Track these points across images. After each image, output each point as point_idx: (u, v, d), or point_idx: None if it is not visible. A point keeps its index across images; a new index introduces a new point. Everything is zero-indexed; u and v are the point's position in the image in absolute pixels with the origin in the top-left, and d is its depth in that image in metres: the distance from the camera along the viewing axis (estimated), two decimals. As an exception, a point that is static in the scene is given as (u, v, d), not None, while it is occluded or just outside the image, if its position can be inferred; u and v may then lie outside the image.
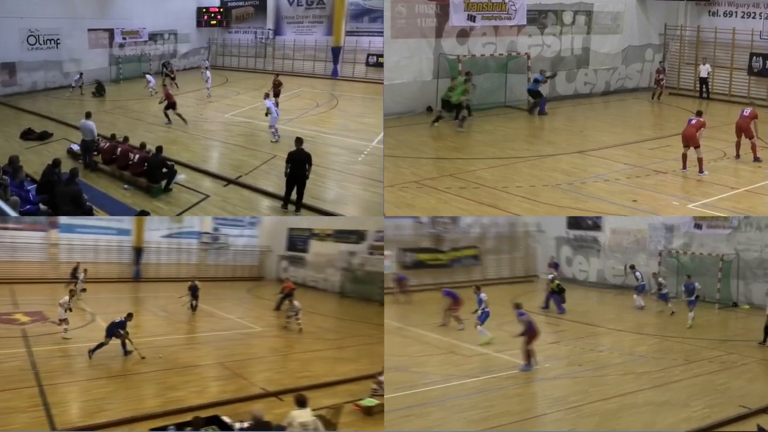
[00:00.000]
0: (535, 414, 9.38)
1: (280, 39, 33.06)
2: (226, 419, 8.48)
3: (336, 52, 30.25)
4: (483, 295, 13.54)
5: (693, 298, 14.14)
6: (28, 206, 11.89)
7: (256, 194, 13.41)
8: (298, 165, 12.27)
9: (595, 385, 10.41)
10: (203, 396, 10.38)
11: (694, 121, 14.23)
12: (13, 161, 12.50)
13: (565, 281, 18.74)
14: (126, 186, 14.07)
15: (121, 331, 12.43)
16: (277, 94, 20.87)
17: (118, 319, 12.59)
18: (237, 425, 8.28)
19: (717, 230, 16.44)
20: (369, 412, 9.74)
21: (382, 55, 26.38)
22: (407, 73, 19.46)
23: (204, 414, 8.57)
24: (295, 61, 32.05)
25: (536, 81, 19.49)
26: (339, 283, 24.79)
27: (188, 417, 8.50)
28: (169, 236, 27.90)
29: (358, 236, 25.00)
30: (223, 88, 26.90)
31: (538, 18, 21.43)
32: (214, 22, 34.36)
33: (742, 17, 22.42)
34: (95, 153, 15.42)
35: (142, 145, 14.91)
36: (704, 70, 22.39)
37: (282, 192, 12.73)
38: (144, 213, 12.95)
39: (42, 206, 12.15)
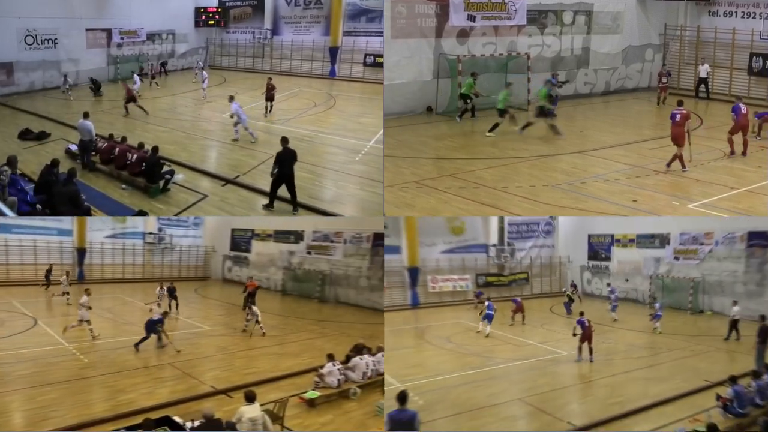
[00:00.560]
0: (564, 385, 12.64)
1: (278, 39, 33.05)
2: (177, 419, 8.48)
3: (333, 52, 30.29)
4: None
5: (659, 314, 17.90)
6: (26, 206, 11.87)
7: (254, 194, 13.41)
8: (287, 164, 12.33)
9: (606, 365, 13.85)
10: (153, 397, 10.40)
11: (679, 117, 14.21)
12: (12, 161, 12.45)
13: (585, 295, 24.37)
14: (124, 186, 14.08)
15: (159, 327, 14.11)
16: (270, 98, 20.66)
17: (155, 317, 14.33)
18: (188, 424, 8.30)
19: (689, 261, 21.80)
20: (312, 403, 10.47)
21: (379, 55, 26.73)
22: (407, 73, 19.57)
23: (155, 415, 8.54)
24: (293, 60, 32.08)
25: (551, 84, 18.41)
26: (281, 281, 25.76)
27: (139, 419, 8.45)
28: (113, 237, 27.71)
29: (296, 236, 26.22)
30: (221, 88, 26.81)
31: (538, 18, 21.51)
32: (212, 22, 34.32)
33: (742, 17, 22.52)
34: (93, 153, 15.39)
35: (140, 145, 14.91)
36: (703, 70, 22.48)
37: (279, 191, 12.71)
38: (142, 213, 12.94)
39: (39, 206, 12.13)
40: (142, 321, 16.91)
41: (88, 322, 15.08)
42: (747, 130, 15.54)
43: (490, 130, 17.45)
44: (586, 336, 14.02)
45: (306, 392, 10.74)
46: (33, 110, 21.49)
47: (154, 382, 11.52)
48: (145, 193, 13.56)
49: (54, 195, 11.88)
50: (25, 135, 17.68)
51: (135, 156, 14.31)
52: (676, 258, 22.30)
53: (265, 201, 12.74)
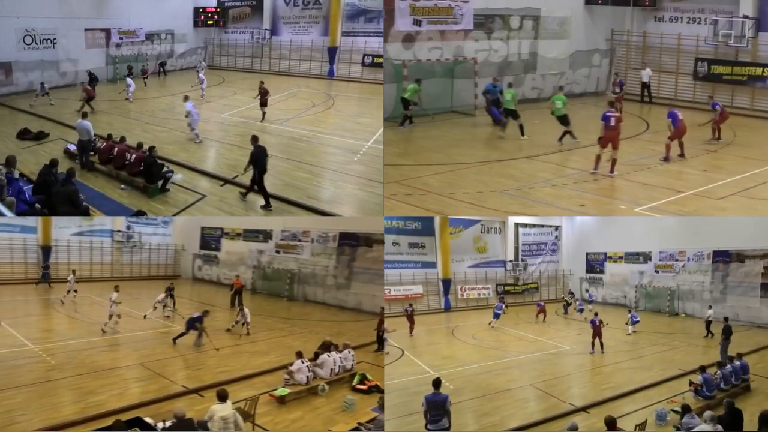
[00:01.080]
0: (566, 373, 14.75)
1: (277, 39, 32.99)
2: (148, 420, 8.40)
3: (332, 52, 30.23)
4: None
5: (636, 320, 20.44)
6: (24, 207, 11.89)
7: (253, 194, 13.34)
8: (261, 162, 12.71)
9: (600, 357, 16.06)
10: (124, 398, 10.23)
11: (613, 121, 14.25)
12: (10, 161, 12.46)
13: (584, 301, 27.69)
14: (123, 186, 14.08)
15: (199, 325, 14.42)
16: (264, 103, 20.13)
17: (195, 314, 14.82)
18: (159, 425, 8.25)
19: (667, 273, 26.09)
20: (282, 400, 10.65)
21: (378, 56, 26.76)
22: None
23: (125, 417, 8.46)
24: (292, 61, 32.01)
25: (486, 90, 18.99)
26: (250, 280, 25.81)
27: (109, 421, 8.41)
28: (79, 234, 26.84)
29: (265, 235, 26.40)
30: (219, 88, 26.90)
31: (485, 22, 21.45)
32: (210, 22, 34.25)
33: (688, 23, 22.78)
34: (92, 153, 15.35)
35: (139, 145, 14.86)
36: (645, 74, 22.74)
37: (278, 191, 13.02)
38: (141, 213, 12.97)
39: (38, 206, 12.12)
40: (112, 320, 16.63)
41: (119, 316, 15.59)
42: (685, 134, 15.76)
43: (522, 134, 17.49)
44: (597, 333, 16.38)
45: (276, 390, 10.92)
46: (32, 110, 21.48)
47: (125, 382, 11.35)
48: (143, 193, 13.57)
49: (52, 195, 11.89)
50: (24, 135, 17.71)
51: (134, 156, 14.26)
52: (656, 271, 26.65)
53: (263, 200, 12.84)
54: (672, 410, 10.41)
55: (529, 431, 10.20)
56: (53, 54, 26.64)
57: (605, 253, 29.35)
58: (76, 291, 20.56)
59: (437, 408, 8.34)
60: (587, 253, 30.20)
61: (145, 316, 18.07)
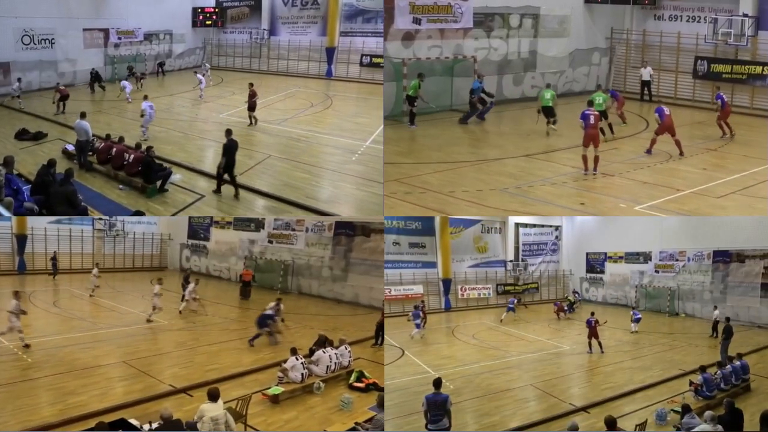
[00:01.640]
0: (566, 373, 14.67)
1: (275, 39, 32.99)
2: (133, 422, 8.13)
3: (330, 52, 30.23)
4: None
5: (639, 317, 20.54)
6: (22, 208, 11.78)
7: (252, 194, 13.41)
8: (232, 154, 13.16)
9: (600, 357, 16.06)
10: (107, 399, 9.79)
11: (593, 119, 14.28)
12: (8, 162, 12.30)
13: (584, 301, 28.50)
14: (121, 186, 14.04)
15: (270, 322, 14.30)
16: (252, 107, 19.51)
17: (268, 311, 14.63)
18: (146, 427, 7.98)
19: (667, 273, 26.06)
20: (276, 400, 10.32)
21: (376, 56, 26.70)
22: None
23: (109, 418, 8.18)
24: (290, 61, 32.04)
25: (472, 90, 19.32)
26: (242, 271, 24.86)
27: (91, 423, 8.14)
28: (58, 222, 25.40)
29: (257, 224, 25.46)
30: (218, 88, 26.87)
31: (484, 21, 21.44)
32: (209, 22, 34.20)
33: (687, 21, 22.77)
34: (90, 153, 15.33)
35: (138, 146, 14.90)
36: (646, 73, 22.69)
37: (277, 191, 13.13)
38: (139, 213, 12.92)
39: (36, 207, 12.06)
40: (93, 315, 16.59)
41: (160, 309, 16.04)
42: (673, 130, 15.86)
43: (554, 123, 17.99)
44: (593, 332, 16.46)
45: (269, 388, 10.61)
46: (30, 110, 21.41)
47: (108, 382, 10.84)
48: (142, 194, 13.52)
49: (51, 195, 11.83)
50: (22, 135, 17.66)
51: (132, 156, 14.23)
52: (657, 271, 26.64)
53: (262, 201, 12.89)
54: (672, 410, 10.41)
55: (529, 431, 10.17)
56: (51, 54, 26.52)
57: (605, 253, 29.35)
58: (98, 286, 20.28)
59: (437, 408, 8.34)
60: (587, 253, 30.21)
61: (180, 311, 17.95)
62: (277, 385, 10.75)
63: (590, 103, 16.09)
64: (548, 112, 18.16)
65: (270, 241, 25.20)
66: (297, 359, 11.18)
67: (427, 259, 25.78)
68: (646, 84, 22.76)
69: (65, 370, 11.33)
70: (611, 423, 8.06)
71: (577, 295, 27.97)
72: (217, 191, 13.36)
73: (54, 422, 8.66)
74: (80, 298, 18.19)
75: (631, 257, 27.94)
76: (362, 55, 29.30)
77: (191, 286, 18.39)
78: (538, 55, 22.80)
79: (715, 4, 21.74)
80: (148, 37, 31.35)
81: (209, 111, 21.65)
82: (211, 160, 16.09)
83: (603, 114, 17.88)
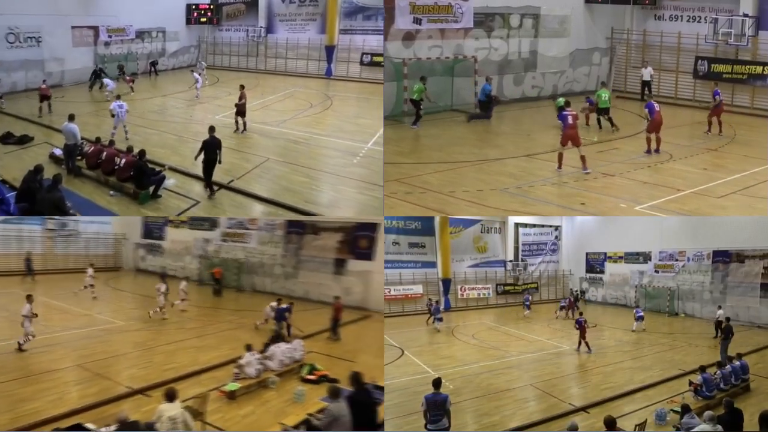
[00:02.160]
0: (566, 373, 14.69)
1: (273, 37, 32.23)
2: (90, 426, 8.04)
3: (330, 50, 29.48)
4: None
5: (641, 315, 20.85)
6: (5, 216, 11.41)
7: (249, 199, 13.08)
8: (211, 151, 12.92)
9: (599, 357, 16.13)
10: (62, 404, 9.57)
11: (571, 119, 14.33)
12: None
13: (584, 301, 28.64)
14: (112, 192, 13.49)
15: (288, 315, 14.74)
16: (241, 112, 18.25)
17: (284, 305, 15.43)
18: (102, 430, 7.89)
19: (667, 273, 26.17)
20: (232, 396, 10.60)
21: (377, 54, 26.55)
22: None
23: (65, 424, 8.10)
24: (288, 60, 31.31)
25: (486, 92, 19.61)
26: (197, 271, 25.34)
27: (47, 430, 8.05)
28: (4, 222, 24.30)
29: (211, 223, 25.65)
30: (214, 88, 26.15)
31: (485, 21, 21.47)
32: (204, 19, 33.20)
33: (688, 21, 22.78)
34: (79, 157, 14.63)
35: (129, 149, 14.14)
36: (647, 73, 22.70)
37: (276, 196, 12.97)
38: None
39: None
40: (44, 318, 15.90)
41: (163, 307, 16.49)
42: (661, 127, 15.94)
43: (612, 126, 18.35)
44: (583, 332, 16.55)
45: (226, 385, 10.83)
46: (15, 112, 20.42)
47: (62, 386, 10.61)
48: (134, 200, 13.11)
49: (37, 203, 11.35)
50: (6, 139, 16.91)
51: (123, 160, 13.55)
52: (656, 271, 26.79)
53: (260, 206, 12.80)
54: (672, 410, 10.40)
55: (529, 431, 10.15)
56: (38, 53, 25.30)
57: (605, 253, 29.45)
58: (93, 285, 20.21)
59: (437, 408, 8.34)
60: (587, 253, 30.30)
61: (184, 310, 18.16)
62: (233, 382, 11.00)
63: (597, 99, 17.64)
64: (606, 113, 18.42)
65: (224, 240, 25.61)
66: (252, 355, 11.55)
67: (426, 259, 25.86)
68: (646, 84, 22.75)
69: (17, 376, 11.06)
70: (611, 423, 8.05)
71: (583, 294, 28.45)
72: (211, 195, 13.00)
73: (6, 431, 8.47)
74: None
75: (631, 257, 28.00)
76: (363, 54, 28.79)
77: (183, 284, 19.05)
78: (538, 55, 22.81)
79: (716, 4, 21.73)
80: (140, 35, 30.26)
81: (204, 112, 20.98)
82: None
83: (606, 110, 18.40)
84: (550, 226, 30.63)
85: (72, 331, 15.07)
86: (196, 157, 13.07)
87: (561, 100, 18.73)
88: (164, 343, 14.44)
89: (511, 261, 29.00)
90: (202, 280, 25.01)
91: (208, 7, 33.48)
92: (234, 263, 24.35)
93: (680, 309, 25.05)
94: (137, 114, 20.08)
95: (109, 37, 28.69)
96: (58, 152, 15.22)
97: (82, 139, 14.99)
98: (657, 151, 15.82)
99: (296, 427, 8.88)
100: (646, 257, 27.17)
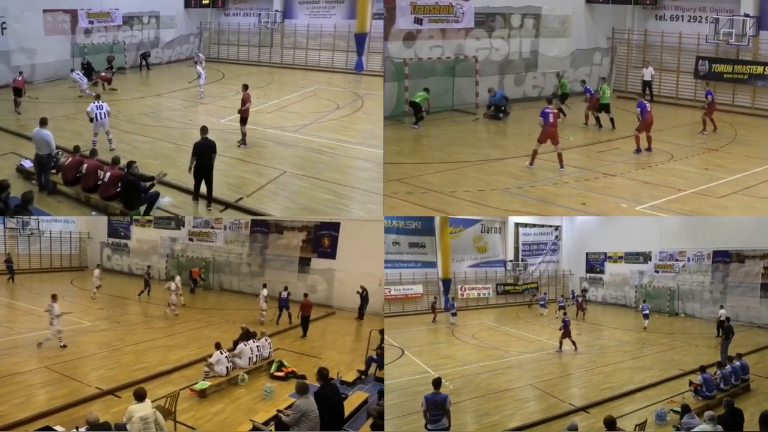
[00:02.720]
0: (566, 373, 14.59)
1: (290, 23, 27.57)
2: (58, 429, 8.00)
3: (360, 39, 25.00)
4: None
5: (647, 312, 21.28)
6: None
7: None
8: (204, 155, 11.70)
9: (600, 357, 16.27)
10: (29, 407, 9.36)
11: (551, 117, 14.46)
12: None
13: (584, 301, 27.81)
14: (94, 212, 12.17)
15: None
16: (244, 119, 15.62)
17: (285, 294, 17.24)
18: None
19: (667, 273, 26.23)
20: (203, 394, 10.71)
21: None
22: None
23: (32, 427, 8.06)
24: (310, 51, 27.04)
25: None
26: (164, 269, 25.36)
27: None
28: None
29: (177, 222, 25.59)
30: (218, 86, 23.09)
31: (485, 21, 21.48)
32: (206, 1, 28.28)
33: (689, 21, 22.76)
34: (54, 171, 12.58)
35: (115, 161, 12.10)
36: (648, 73, 22.75)
37: (290, 215, 12.99)
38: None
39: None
40: (8, 320, 16.13)
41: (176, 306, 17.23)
42: (651, 126, 16.06)
43: (613, 126, 18.40)
44: (567, 332, 16.66)
45: (196, 383, 10.95)
46: None
47: (29, 389, 10.37)
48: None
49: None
50: None
51: (108, 174, 11.68)
52: (657, 271, 26.85)
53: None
54: (672, 410, 10.44)
55: (529, 431, 10.18)
56: (3, 43, 21.32)
57: (605, 253, 29.49)
58: (99, 287, 20.42)
59: (437, 408, 8.37)
60: (587, 253, 30.34)
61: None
62: (203, 380, 11.14)
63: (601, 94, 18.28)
64: (608, 110, 18.66)
65: (191, 239, 25.63)
66: (221, 353, 11.67)
67: (426, 258, 25.88)
68: (647, 84, 22.78)
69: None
70: (611, 423, 8.08)
71: (585, 292, 28.35)
72: (195, 199, 11.95)
73: (-30, 437, 8.27)
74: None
75: (631, 257, 28.04)
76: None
77: (177, 279, 19.35)
78: (539, 55, 22.79)
79: (717, 4, 21.72)
80: (129, 20, 25.83)
81: (207, 115, 18.20)
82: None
83: (607, 106, 18.60)
84: (550, 226, 30.63)
85: (37, 332, 14.10)
86: (189, 168, 11.51)
87: (565, 81, 20.25)
88: (133, 343, 14.37)
89: (511, 261, 29.01)
90: (169, 279, 23.66)
91: (210, -14, 28.49)
92: (201, 262, 24.63)
93: (680, 309, 25.21)
94: (125, 118, 17.63)
95: (90, 23, 24.50)
96: (28, 164, 13.04)
97: (58, 148, 12.88)
98: (649, 149, 15.90)
99: (266, 423, 9.00)
100: (646, 257, 27.22)
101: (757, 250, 22.27)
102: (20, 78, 19.00)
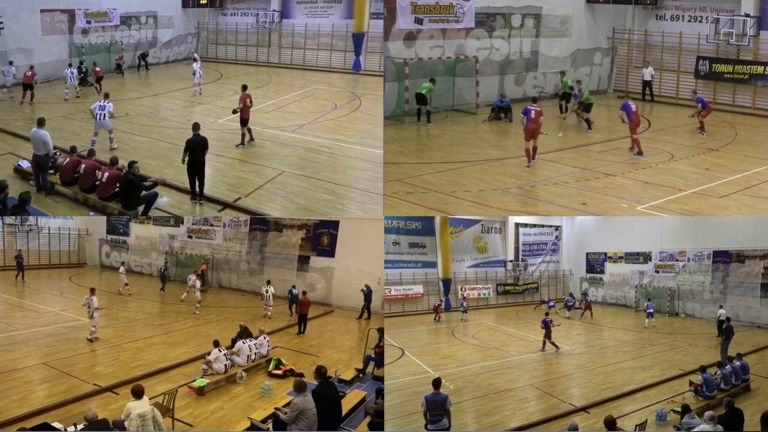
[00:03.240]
0: (566, 374, 14.56)
1: (288, 23, 27.80)
2: (57, 425, 7.96)
3: (358, 39, 25.35)
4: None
5: (651, 311, 21.50)
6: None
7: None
8: (196, 151, 11.88)
9: (600, 357, 16.26)
10: (27, 403, 9.40)
11: (534, 114, 14.66)
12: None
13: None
14: (92, 213, 12.08)
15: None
16: (244, 120, 15.46)
17: (293, 289, 17.69)
18: (70, 429, 7.82)
19: (667, 273, 26.22)
20: (201, 392, 10.73)
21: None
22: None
23: (30, 424, 8.06)
24: (307, 51, 27.29)
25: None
26: (163, 267, 24.98)
27: (12, 430, 8.05)
28: None
29: (176, 219, 25.48)
30: (216, 86, 23.24)
31: (486, 21, 21.49)
32: (204, 1, 28.51)
33: (689, 21, 22.76)
34: (51, 171, 12.60)
35: (113, 161, 12.11)
36: (648, 73, 22.76)
37: (288, 215, 12.91)
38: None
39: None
40: (7, 316, 16.12)
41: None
42: (637, 128, 16.08)
43: (589, 127, 18.24)
44: (548, 332, 16.73)
45: (195, 381, 10.99)
46: None
47: (27, 385, 10.37)
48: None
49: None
50: None
51: (106, 174, 11.68)
52: (657, 271, 26.85)
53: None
54: (672, 410, 10.44)
55: (529, 431, 10.17)
56: (0, 43, 21.47)
57: (605, 253, 29.46)
58: (127, 284, 20.83)
59: (437, 408, 8.38)
60: (587, 253, 30.32)
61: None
62: (201, 377, 11.17)
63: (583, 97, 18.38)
64: (588, 109, 18.67)
65: (189, 236, 25.67)
66: (220, 351, 11.68)
67: (427, 259, 25.89)
68: (647, 84, 22.80)
69: (-23, 376, 10.69)
70: (611, 423, 8.08)
71: (586, 294, 28.16)
72: (193, 198, 12.08)
73: (-34, 433, 8.31)
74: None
75: (631, 257, 28.03)
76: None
77: (193, 277, 19.69)
78: (539, 55, 22.82)
79: (717, 4, 21.73)
80: (126, 20, 25.98)
81: (205, 115, 18.20)
82: (207, 179, 12.57)
83: (588, 107, 18.65)
84: (551, 226, 30.65)
85: (36, 329, 14.51)
86: (183, 160, 11.84)
87: (568, 79, 20.30)
88: (132, 340, 14.42)
89: (511, 261, 29.01)
90: (168, 276, 24.03)
91: (208, -15, 28.72)
92: (199, 259, 24.62)
93: (680, 309, 25.19)
94: (124, 118, 17.72)
95: (88, 23, 24.56)
96: (26, 165, 13.09)
97: (55, 148, 12.92)
98: (637, 150, 15.78)
99: (263, 421, 9.02)
100: (646, 257, 27.20)
101: (757, 250, 22.28)
102: (30, 73, 19.77)
